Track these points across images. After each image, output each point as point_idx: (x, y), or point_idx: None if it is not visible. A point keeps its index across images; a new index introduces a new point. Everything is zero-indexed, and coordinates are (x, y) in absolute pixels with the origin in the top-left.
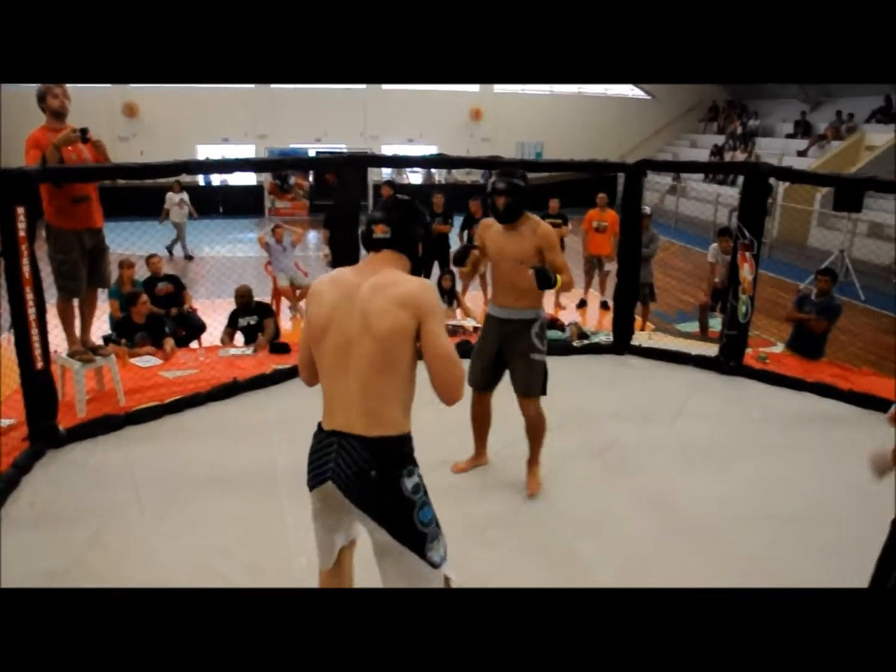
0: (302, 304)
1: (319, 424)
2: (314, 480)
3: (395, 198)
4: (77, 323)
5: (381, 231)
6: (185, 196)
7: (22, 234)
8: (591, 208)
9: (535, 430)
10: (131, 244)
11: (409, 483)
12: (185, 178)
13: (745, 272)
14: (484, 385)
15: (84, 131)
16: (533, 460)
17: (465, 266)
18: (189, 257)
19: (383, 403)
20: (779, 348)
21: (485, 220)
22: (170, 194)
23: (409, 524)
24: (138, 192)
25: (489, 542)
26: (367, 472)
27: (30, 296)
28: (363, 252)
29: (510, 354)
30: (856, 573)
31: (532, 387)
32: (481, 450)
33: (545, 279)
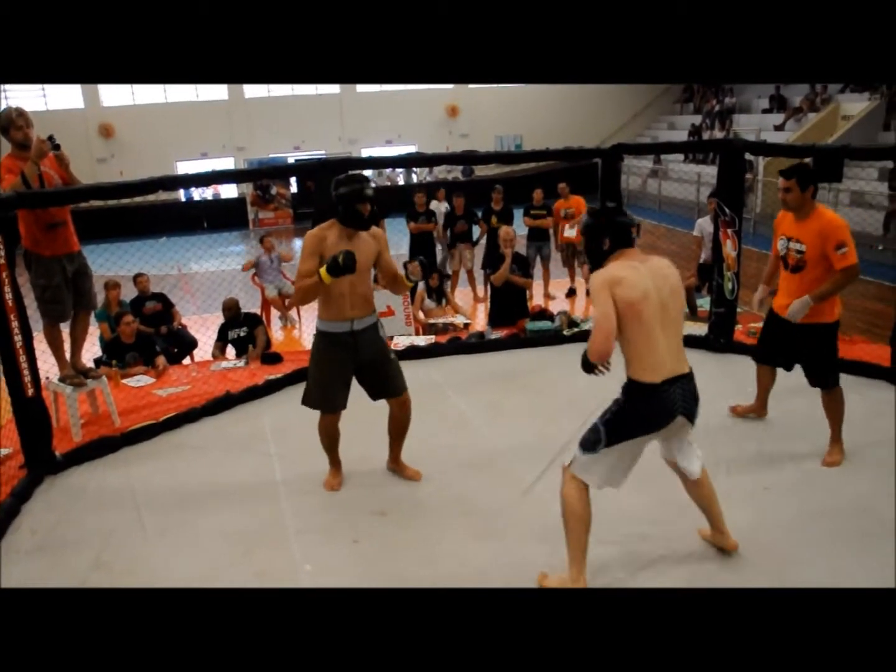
0: (292, 312)
1: (640, 383)
2: (663, 420)
3: (608, 206)
4: (67, 347)
5: (635, 231)
6: (447, 205)
7: (2, 261)
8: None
9: (408, 423)
10: (112, 264)
11: None
12: (163, 195)
13: (729, 249)
14: (345, 404)
15: (51, 138)
16: (399, 453)
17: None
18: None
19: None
20: None
21: (317, 233)
22: (434, 203)
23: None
24: (115, 212)
25: (497, 533)
26: (698, 396)
27: (15, 323)
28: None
29: (377, 359)
30: (860, 538)
31: (404, 380)
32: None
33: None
